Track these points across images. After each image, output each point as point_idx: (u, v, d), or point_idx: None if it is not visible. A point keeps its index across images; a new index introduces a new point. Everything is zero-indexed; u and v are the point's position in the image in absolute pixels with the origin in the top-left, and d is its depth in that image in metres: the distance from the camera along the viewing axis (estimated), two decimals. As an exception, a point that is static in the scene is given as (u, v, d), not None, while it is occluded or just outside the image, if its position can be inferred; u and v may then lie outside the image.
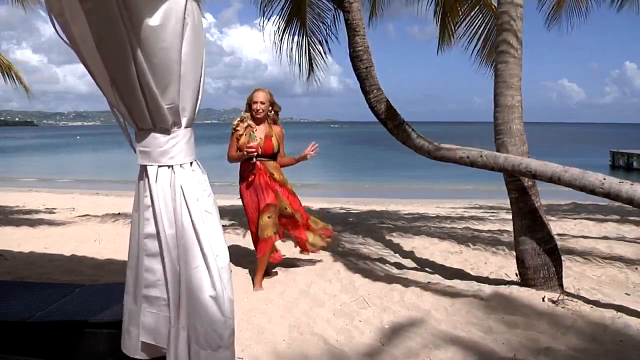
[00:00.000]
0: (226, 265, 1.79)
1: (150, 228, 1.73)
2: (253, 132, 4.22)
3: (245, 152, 4.13)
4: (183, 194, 1.72)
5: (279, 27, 7.54)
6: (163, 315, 1.77)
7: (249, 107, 4.28)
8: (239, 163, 4.33)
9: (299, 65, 7.74)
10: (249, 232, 6.82)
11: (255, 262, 4.33)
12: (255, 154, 4.13)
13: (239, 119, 4.32)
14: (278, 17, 7.49)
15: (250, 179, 4.24)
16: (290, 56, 7.68)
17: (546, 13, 7.92)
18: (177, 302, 1.73)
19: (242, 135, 4.21)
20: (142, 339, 1.77)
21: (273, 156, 4.30)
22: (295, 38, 7.62)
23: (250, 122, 4.26)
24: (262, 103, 4.23)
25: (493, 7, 7.06)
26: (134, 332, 1.78)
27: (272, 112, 4.33)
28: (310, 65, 7.77)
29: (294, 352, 2.95)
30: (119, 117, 1.75)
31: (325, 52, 7.59)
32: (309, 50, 7.72)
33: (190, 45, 1.64)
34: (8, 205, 10.49)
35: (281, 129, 4.39)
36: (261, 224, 4.22)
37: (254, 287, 4.20)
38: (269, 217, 4.20)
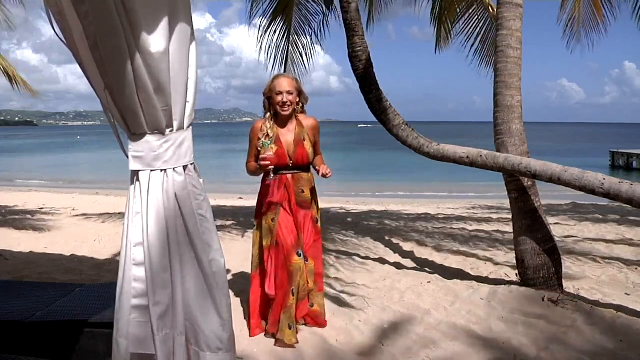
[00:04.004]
0: (221, 269, 1.79)
1: (138, 236, 1.71)
2: (267, 139, 3.11)
3: (259, 166, 3.08)
4: (176, 198, 1.71)
5: (261, 25, 7.60)
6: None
7: (269, 101, 3.17)
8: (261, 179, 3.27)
9: (274, 63, 7.73)
10: (247, 232, 6.89)
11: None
12: (272, 167, 3.05)
13: (261, 124, 3.17)
14: (264, 14, 7.56)
15: (276, 199, 3.13)
16: (267, 52, 7.68)
17: (564, 29, 7.81)
18: (162, 310, 1.72)
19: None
20: (132, 350, 1.74)
21: (307, 167, 3.22)
22: (276, 36, 7.65)
23: (269, 126, 3.14)
24: (289, 93, 3.09)
25: (492, 6, 7.07)
26: (122, 343, 1.76)
27: (300, 104, 3.23)
28: (285, 62, 7.76)
29: (294, 352, 2.95)
30: (112, 119, 1.74)
31: (308, 54, 7.68)
32: (288, 48, 7.75)
33: (177, 48, 1.64)
34: (8, 205, 10.49)
35: (314, 120, 3.27)
36: (295, 266, 3.06)
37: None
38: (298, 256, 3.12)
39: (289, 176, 3.13)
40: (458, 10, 7.36)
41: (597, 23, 7.63)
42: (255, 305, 3.23)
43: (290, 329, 3.05)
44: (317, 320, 3.30)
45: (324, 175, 3.14)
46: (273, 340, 3.09)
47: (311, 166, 3.26)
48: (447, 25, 7.54)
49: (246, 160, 3.27)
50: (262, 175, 3.23)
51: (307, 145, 3.16)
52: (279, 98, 3.09)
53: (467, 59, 7.48)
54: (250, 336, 3.17)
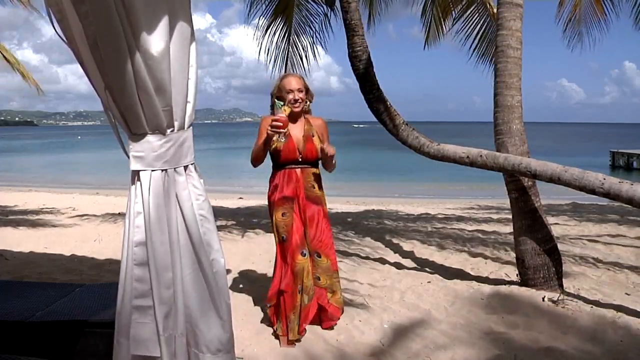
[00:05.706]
0: (222, 269, 1.79)
1: (140, 236, 1.71)
2: (279, 106, 3.04)
3: (270, 131, 2.94)
4: (177, 198, 1.71)
5: (260, 25, 7.59)
6: (154, 325, 1.75)
7: (278, 100, 3.18)
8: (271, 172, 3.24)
9: (274, 63, 7.72)
10: (247, 232, 6.89)
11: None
12: (284, 130, 2.97)
13: (270, 117, 3.07)
14: (264, 15, 7.54)
15: (287, 194, 3.13)
16: (267, 52, 7.67)
17: (564, 28, 7.78)
18: (167, 310, 1.72)
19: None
20: (134, 352, 1.73)
21: (316, 162, 3.24)
22: (276, 36, 7.63)
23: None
24: (299, 91, 3.16)
25: (491, 5, 7.06)
26: (124, 343, 1.76)
27: (307, 103, 3.27)
28: (286, 63, 7.75)
29: (294, 352, 2.94)
30: (112, 119, 1.74)
31: (308, 55, 7.67)
32: (288, 50, 7.73)
33: (177, 48, 1.64)
34: (8, 205, 10.49)
35: (322, 120, 3.33)
36: (300, 267, 3.07)
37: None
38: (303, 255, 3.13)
39: (298, 170, 3.16)
40: (452, 7, 7.35)
41: (597, 21, 7.62)
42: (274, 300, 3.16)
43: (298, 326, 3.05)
44: (326, 315, 3.24)
45: (324, 151, 3.11)
46: (274, 340, 3.09)
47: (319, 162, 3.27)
48: (440, 22, 7.54)
49: (251, 151, 3.20)
50: (269, 178, 3.23)
51: (316, 141, 3.19)
52: (290, 96, 3.14)
53: (467, 58, 7.48)
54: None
